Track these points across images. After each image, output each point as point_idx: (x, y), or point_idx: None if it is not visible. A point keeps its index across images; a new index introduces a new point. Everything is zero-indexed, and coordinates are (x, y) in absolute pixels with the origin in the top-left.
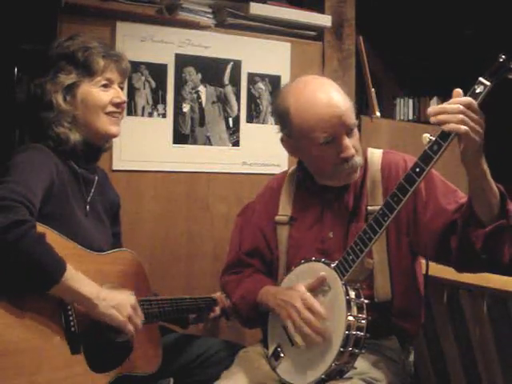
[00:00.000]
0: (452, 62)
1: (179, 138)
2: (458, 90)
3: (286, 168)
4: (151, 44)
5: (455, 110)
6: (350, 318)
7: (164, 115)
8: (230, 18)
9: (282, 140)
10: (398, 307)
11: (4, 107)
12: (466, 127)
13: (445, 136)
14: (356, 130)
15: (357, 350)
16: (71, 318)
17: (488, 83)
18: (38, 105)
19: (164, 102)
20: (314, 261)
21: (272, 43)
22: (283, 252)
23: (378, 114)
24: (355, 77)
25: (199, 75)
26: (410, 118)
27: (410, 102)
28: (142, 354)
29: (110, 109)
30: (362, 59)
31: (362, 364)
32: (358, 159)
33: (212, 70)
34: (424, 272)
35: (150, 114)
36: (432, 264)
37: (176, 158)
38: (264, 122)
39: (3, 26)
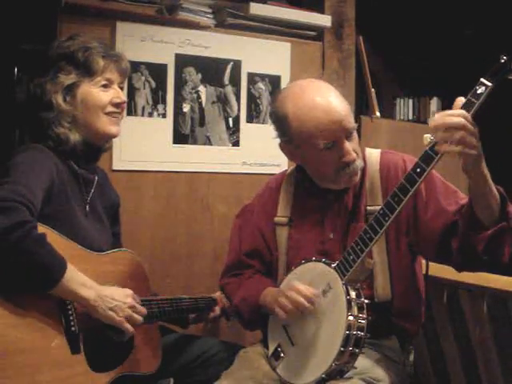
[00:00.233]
0: (452, 62)
1: (179, 137)
2: (461, 99)
3: (285, 168)
4: (151, 44)
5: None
6: (351, 317)
7: (164, 115)
8: (230, 18)
9: (281, 146)
10: (397, 307)
11: (4, 107)
12: (460, 148)
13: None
14: (355, 133)
15: (357, 350)
16: (71, 318)
17: (489, 84)
18: (37, 105)
19: (164, 101)
20: (315, 261)
21: (272, 43)
22: (283, 253)
23: (377, 114)
24: (355, 77)
25: (199, 75)
26: (410, 118)
27: (410, 102)
28: (143, 353)
29: (110, 109)
30: (362, 59)
31: (362, 364)
32: (359, 162)
33: (212, 69)
34: (424, 272)
35: (150, 114)
36: (432, 264)
37: (176, 158)
38: (264, 122)
39: (3, 26)
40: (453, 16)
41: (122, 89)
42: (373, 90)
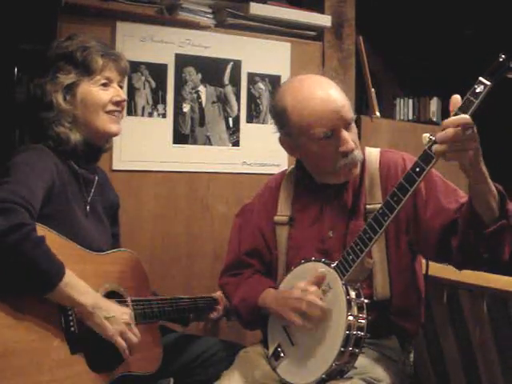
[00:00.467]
0: (452, 62)
1: (179, 138)
2: (457, 96)
3: (285, 168)
4: (151, 44)
5: (448, 138)
6: (351, 317)
7: (164, 115)
8: (230, 18)
9: (281, 140)
10: (397, 306)
11: (4, 107)
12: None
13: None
14: (354, 126)
15: (357, 350)
16: (71, 318)
17: (488, 83)
18: (38, 105)
19: (164, 102)
20: (314, 261)
21: (272, 43)
22: (282, 253)
23: (377, 113)
24: (355, 77)
25: (199, 75)
26: (410, 118)
27: (410, 102)
28: (143, 353)
29: (110, 107)
30: (361, 59)
31: (362, 364)
32: (358, 153)
33: (212, 70)
34: (424, 272)
35: (150, 114)
36: (432, 264)
37: (176, 158)
38: (264, 121)
39: (3, 26)
40: (453, 16)
41: (121, 88)
42: (373, 89)
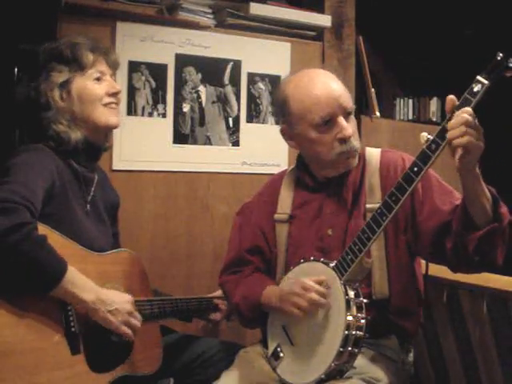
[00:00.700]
0: (452, 62)
1: (179, 137)
2: (452, 97)
3: (286, 167)
4: (151, 44)
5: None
6: (350, 317)
7: (164, 115)
8: (230, 18)
9: (281, 130)
10: (395, 305)
11: (4, 107)
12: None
13: (443, 135)
14: (354, 118)
15: (356, 350)
16: (71, 319)
17: (486, 82)
18: (35, 106)
19: (164, 101)
20: (313, 260)
21: (272, 43)
22: (282, 251)
23: (377, 114)
24: (355, 77)
25: (199, 75)
26: (410, 117)
27: (410, 102)
28: (143, 353)
29: (107, 100)
30: (361, 59)
31: (361, 363)
32: (356, 143)
33: (212, 69)
34: (424, 272)
35: (150, 114)
36: (432, 264)
37: (176, 158)
38: (264, 121)
39: (3, 26)
40: (453, 16)
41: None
42: (373, 89)
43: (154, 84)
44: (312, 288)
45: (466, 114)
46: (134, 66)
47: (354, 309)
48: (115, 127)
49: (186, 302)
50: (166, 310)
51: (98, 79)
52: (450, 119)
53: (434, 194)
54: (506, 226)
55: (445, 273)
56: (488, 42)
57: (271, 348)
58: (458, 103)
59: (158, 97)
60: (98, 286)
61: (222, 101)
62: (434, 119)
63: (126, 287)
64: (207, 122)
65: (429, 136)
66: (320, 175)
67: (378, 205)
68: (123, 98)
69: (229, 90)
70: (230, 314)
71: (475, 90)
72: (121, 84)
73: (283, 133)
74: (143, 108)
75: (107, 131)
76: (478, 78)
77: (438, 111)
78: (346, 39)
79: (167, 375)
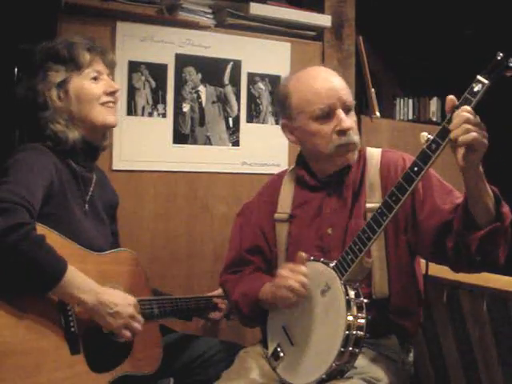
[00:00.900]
0: (452, 62)
1: (179, 137)
2: (452, 97)
3: (286, 167)
4: (151, 44)
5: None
6: (350, 317)
7: (164, 115)
8: (230, 18)
9: (282, 125)
10: (395, 305)
11: (4, 107)
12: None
13: (443, 135)
14: (354, 114)
15: (357, 350)
16: (71, 319)
17: (486, 81)
18: (33, 106)
19: (164, 101)
20: (313, 260)
21: (272, 43)
22: (282, 250)
23: (377, 114)
24: (355, 77)
25: (199, 75)
26: (410, 117)
27: (410, 102)
28: (143, 353)
29: (105, 99)
30: (361, 59)
31: (362, 363)
32: (356, 138)
33: (212, 69)
34: (424, 272)
35: (150, 114)
36: (432, 264)
37: (176, 158)
38: (264, 121)
39: (3, 26)
40: (453, 16)
41: (112, 80)
42: (373, 89)
43: (153, 84)
44: (289, 275)
45: (465, 112)
46: (133, 66)
47: (354, 309)
48: (113, 126)
49: (186, 302)
50: (166, 310)
51: (95, 79)
52: (450, 119)
53: (434, 193)
54: (508, 226)
55: (445, 273)
56: (488, 41)
57: (271, 348)
58: (458, 103)
59: (158, 97)
60: (99, 285)
61: (222, 101)
62: (434, 119)
63: (125, 287)
64: (207, 122)
65: (429, 136)
66: (320, 172)
67: (378, 204)
68: (123, 98)
69: (229, 90)
70: (230, 313)
71: (475, 89)
72: (121, 84)
73: (284, 127)
74: (143, 108)
75: (105, 130)
76: (479, 77)
77: (438, 111)
78: (346, 39)
79: (167, 375)
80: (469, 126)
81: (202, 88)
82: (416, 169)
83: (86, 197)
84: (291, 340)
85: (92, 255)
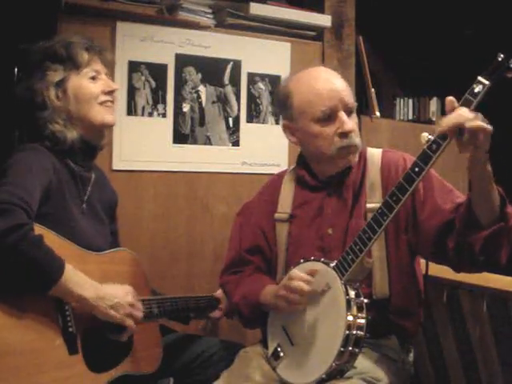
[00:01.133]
0: (452, 62)
1: (179, 137)
2: (451, 99)
3: (286, 167)
4: (151, 44)
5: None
6: (350, 317)
7: (164, 115)
8: (230, 18)
9: (283, 126)
10: (396, 305)
11: (4, 107)
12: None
13: (444, 135)
14: (355, 116)
15: (357, 350)
16: (68, 319)
17: (487, 82)
18: (31, 106)
19: (164, 101)
20: (313, 260)
21: (272, 43)
22: (282, 250)
23: (377, 113)
24: (355, 77)
25: (199, 75)
26: (410, 117)
27: (410, 101)
28: (142, 353)
29: (103, 98)
30: (361, 59)
31: (362, 363)
32: (357, 140)
33: (212, 69)
34: (424, 272)
35: (150, 114)
36: (432, 264)
37: (176, 158)
38: (264, 121)
39: (3, 26)
40: (453, 16)
41: (111, 79)
42: (373, 89)
43: (153, 84)
44: (296, 276)
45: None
46: (133, 66)
47: (354, 309)
48: (111, 125)
49: (186, 301)
50: (166, 309)
51: (93, 78)
52: None
53: (435, 192)
54: None
55: (445, 273)
56: (488, 41)
57: (271, 348)
58: (458, 104)
59: (158, 97)
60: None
61: (222, 101)
62: (434, 119)
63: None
64: (207, 122)
65: (430, 136)
66: (321, 173)
67: (378, 204)
68: (123, 98)
69: (229, 90)
70: (231, 311)
71: (476, 90)
72: (121, 84)
73: (285, 128)
74: (143, 108)
75: (103, 129)
76: (479, 78)
77: (438, 111)
78: (346, 39)
79: (167, 375)
80: (470, 114)
81: (202, 88)
82: (417, 169)
83: (84, 196)
84: (291, 340)
85: (90, 255)
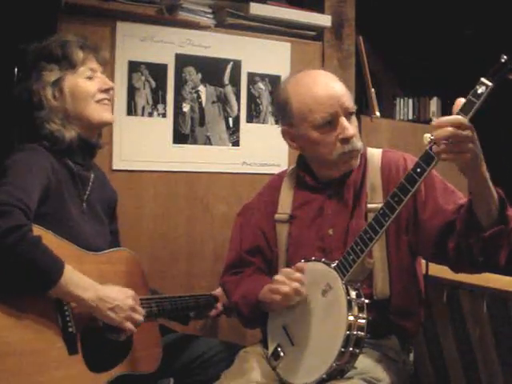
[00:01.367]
0: (452, 62)
1: (179, 137)
2: (462, 100)
3: (286, 168)
4: (151, 44)
5: (444, 136)
6: (351, 318)
7: (164, 115)
8: (230, 18)
9: (283, 132)
10: (396, 305)
11: (3, 107)
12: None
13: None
14: (355, 119)
15: (357, 350)
16: (68, 319)
17: (490, 84)
18: (28, 106)
19: (164, 101)
20: (314, 261)
21: (272, 43)
22: (283, 250)
23: (377, 113)
24: (355, 77)
25: (199, 75)
26: (410, 117)
27: (410, 101)
28: (142, 353)
29: (100, 96)
30: (361, 59)
31: (362, 363)
32: (359, 144)
33: (212, 69)
34: (424, 272)
35: (150, 114)
36: (432, 264)
37: (176, 158)
38: (264, 121)
39: (3, 26)
40: (453, 16)
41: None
42: (373, 89)
43: (153, 84)
44: (283, 270)
45: (450, 126)
46: (133, 66)
47: (355, 309)
48: (109, 123)
49: (185, 300)
50: (165, 308)
51: (89, 77)
52: None
53: (437, 193)
54: None
55: (445, 273)
56: (488, 42)
57: (271, 348)
58: (461, 105)
59: (158, 97)
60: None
61: (222, 101)
62: (434, 119)
63: (123, 286)
64: (207, 122)
65: (432, 137)
66: (321, 176)
67: (379, 205)
68: (123, 98)
69: (229, 90)
70: (230, 309)
71: (479, 91)
72: (121, 84)
73: (284, 134)
74: (143, 108)
75: (101, 128)
76: (482, 80)
77: (438, 111)
78: (346, 39)
79: (167, 375)
80: (442, 147)
81: (202, 88)
82: (419, 170)
83: (83, 196)
84: (291, 340)
85: (89, 255)
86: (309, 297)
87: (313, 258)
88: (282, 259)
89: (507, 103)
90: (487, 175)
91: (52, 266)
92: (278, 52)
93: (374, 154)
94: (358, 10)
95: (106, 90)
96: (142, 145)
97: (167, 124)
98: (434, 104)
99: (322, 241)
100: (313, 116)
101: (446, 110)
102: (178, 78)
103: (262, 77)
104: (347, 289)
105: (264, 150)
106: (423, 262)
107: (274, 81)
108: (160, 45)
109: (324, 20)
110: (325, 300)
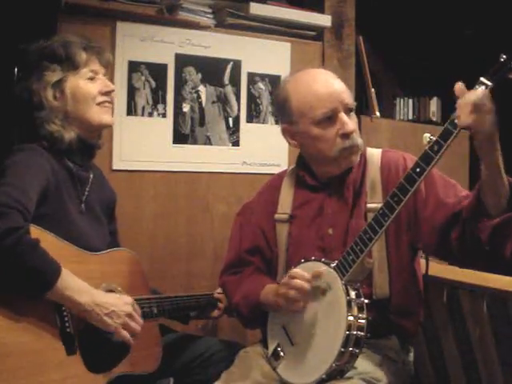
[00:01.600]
0: (452, 62)
1: (179, 137)
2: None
3: (285, 167)
4: (151, 44)
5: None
6: (351, 318)
7: (164, 115)
8: (230, 18)
9: (282, 129)
10: (396, 305)
11: (4, 107)
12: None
13: (445, 136)
14: (354, 116)
15: (357, 350)
16: (66, 319)
17: (489, 83)
18: (28, 106)
19: (164, 101)
20: (314, 260)
21: (272, 43)
22: (283, 250)
23: (377, 113)
24: (355, 77)
25: (199, 75)
26: (410, 117)
27: (410, 101)
28: (142, 353)
29: (101, 99)
30: (361, 59)
31: (362, 364)
32: (360, 140)
33: (212, 69)
34: (424, 271)
35: (150, 114)
36: (432, 264)
37: (176, 158)
38: (264, 121)
39: (3, 26)
40: (453, 16)
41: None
42: (373, 89)
43: (153, 84)
44: (297, 274)
45: (472, 95)
46: (133, 66)
47: (355, 309)
48: (109, 126)
49: (186, 300)
50: (165, 308)
51: (91, 78)
52: (453, 120)
53: (437, 188)
54: None
55: (445, 273)
56: (488, 42)
57: (271, 348)
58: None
59: (158, 97)
60: (93, 286)
61: (222, 101)
62: (434, 119)
63: (123, 286)
64: (207, 122)
65: (431, 137)
66: (321, 174)
67: (379, 204)
68: (123, 98)
69: (229, 89)
70: (230, 309)
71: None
72: (121, 84)
73: (284, 132)
74: (143, 108)
75: (101, 130)
76: (482, 79)
77: (438, 111)
78: (346, 39)
79: (167, 375)
80: (471, 108)
81: (202, 88)
82: (418, 170)
83: (82, 196)
84: (291, 340)
85: (88, 255)
86: (309, 296)
87: (313, 258)
88: (282, 259)
89: (507, 103)
90: (501, 164)
91: (48, 269)
92: (278, 52)
93: (374, 153)
94: (358, 10)
95: (107, 93)
96: (142, 145)
97: (167, 124)
98: (434, 104)
99: (322, 240)
100: (312, 112)
101: (446, 110)
102: (178, 78)
103: (262, 77)
104: (347, 289)
105: (264, 150)
106: (423, 261)
107: (274, 81)
108: (160, 45)
109: (324, 20)
110: (324, 300)
